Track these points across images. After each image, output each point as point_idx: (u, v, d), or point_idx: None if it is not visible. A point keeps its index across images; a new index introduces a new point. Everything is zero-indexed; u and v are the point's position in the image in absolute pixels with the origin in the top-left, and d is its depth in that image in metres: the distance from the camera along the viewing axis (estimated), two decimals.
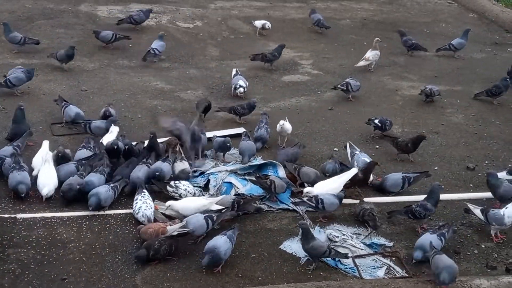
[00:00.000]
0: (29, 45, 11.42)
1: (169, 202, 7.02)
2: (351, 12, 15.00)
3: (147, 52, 11.34)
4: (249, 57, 11.41)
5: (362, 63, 11.33)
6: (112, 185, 7.26)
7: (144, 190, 7.23)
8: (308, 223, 6.97)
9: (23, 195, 7.18)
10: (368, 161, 7.94)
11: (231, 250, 6.41)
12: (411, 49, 12.31)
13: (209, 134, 8.58)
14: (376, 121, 9.00)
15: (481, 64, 12.19)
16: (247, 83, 10.16)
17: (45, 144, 7.90)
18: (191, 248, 6.63)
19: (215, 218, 6.79)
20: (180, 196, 7.32)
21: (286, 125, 8.55)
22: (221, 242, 6.31)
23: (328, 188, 7.37)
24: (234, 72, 10.47)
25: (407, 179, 7.75)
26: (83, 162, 7.72)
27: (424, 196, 7.32)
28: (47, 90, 10.04)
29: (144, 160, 7.77)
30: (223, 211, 6.93)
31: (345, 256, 6.53)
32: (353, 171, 7.66)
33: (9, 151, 7.76)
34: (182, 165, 7.83)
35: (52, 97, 9.60)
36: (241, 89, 9.97)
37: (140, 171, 7.54)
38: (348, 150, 8.28)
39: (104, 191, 7.13)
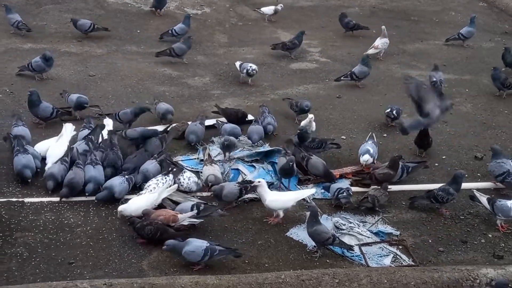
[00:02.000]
0: (38, 29, 11.42)
1: (120, 208, 6.75)
2: (360, 0, 14.91)
3: (166, 32, 11.60)
4: (270, 47, 11.40)
5: (371, 51, 11.26)
6: (127, 176, 7.16)
7: (169, 176, 7.19)
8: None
9: (29, 180, 7.20)
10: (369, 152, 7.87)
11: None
12: (353, 30, 12.34)
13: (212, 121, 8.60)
14: (394, 112, 8.92)
15: (490, 53, 12.09)
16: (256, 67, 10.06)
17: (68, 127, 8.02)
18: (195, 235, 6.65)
19: (201, 207, 6.70)
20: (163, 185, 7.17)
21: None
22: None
23: (282, 199, 7.00)
24: (238, 63, 10.31)
25: (405, 168, 7.71)
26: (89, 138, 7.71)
27: (427, 185, 7.34)
28: (54, 75, 10.03)
29: (156, 155, 7.60)
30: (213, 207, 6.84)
31: (350, 247, 6.51)
32: (311, 191, 7.33)
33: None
34: (211, 169, 7.45)
35: (60, 82, 9.68)
36: (255, 69, 9.94)
37: (151, 165, 7.42)
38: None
39: (118, 183, 7.04)
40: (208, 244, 6.14)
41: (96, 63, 10.66)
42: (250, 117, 8.86)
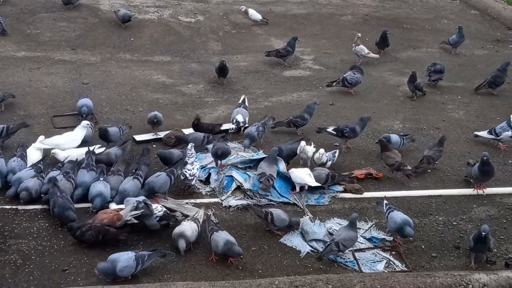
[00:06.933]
0: (32, 37, 11.46)
1: None
2: (353, 8, 15.00)
3: None
4: (264, 54, 11.45)
5: (371, 55, 11.47)
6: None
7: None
8: (308, 216, 6.97)
9: None
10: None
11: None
12: None
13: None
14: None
15: (483, 60, 12.19)
16: (247, 118, 8.94)
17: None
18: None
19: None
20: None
21: (306, 148, 8.13)
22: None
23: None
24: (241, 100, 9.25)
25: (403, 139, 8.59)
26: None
27: (420, 191, 7.39)
28: (48, 83, 10.05)
29: (134, 171, 7.34)
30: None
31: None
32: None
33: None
34: (187, 226, 6.59)
35: (54, 90, 9.71)
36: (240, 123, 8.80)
37: (127, 184, 7.15)
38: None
39: (108, 191, 7.00)
40: (135, 253, 6.08)
41: (90, 71, 10.69)
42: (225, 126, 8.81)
